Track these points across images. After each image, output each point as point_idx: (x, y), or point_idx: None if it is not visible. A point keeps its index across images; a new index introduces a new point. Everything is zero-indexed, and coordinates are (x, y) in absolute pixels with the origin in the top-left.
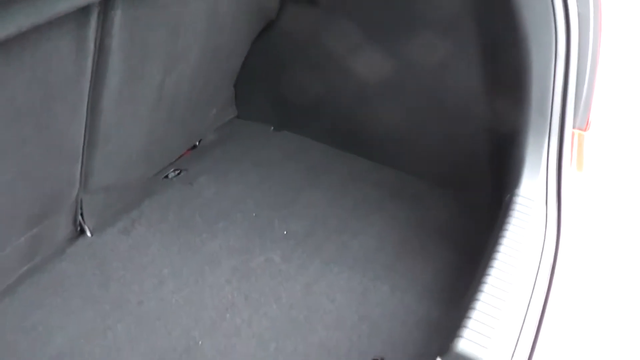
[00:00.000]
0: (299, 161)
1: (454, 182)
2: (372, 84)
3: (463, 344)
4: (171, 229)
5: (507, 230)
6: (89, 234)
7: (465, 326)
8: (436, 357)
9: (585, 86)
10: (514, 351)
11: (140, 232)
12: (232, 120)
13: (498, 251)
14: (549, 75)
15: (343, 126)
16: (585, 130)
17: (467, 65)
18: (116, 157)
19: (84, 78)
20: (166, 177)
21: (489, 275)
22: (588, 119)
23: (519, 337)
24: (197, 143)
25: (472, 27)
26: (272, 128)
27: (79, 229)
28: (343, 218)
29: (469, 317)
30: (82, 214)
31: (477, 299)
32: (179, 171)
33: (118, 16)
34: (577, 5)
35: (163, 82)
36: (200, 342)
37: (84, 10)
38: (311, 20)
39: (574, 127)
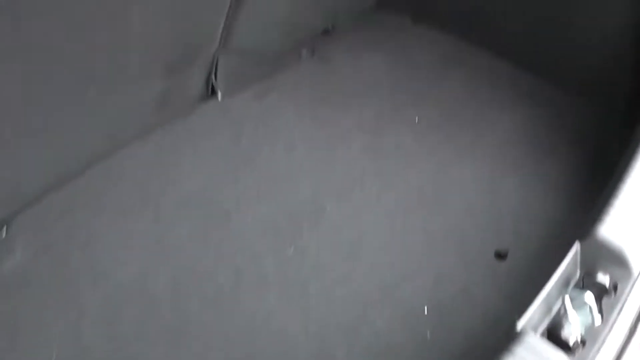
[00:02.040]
0: (434, 52)
1: (591, 90)
2: None
3: (605, 230)
4: (304, 101)
5: None
6: (220, 95)
7: (607, 214)
8: (565, 252)
9: None
10: None
11: (273, 100)
12: (370, 8)
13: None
14: None
15: (482, 22)
16: None
17: None
18: (258, 20)
19: None
20: (299, 54)
21: (629, 177)
22: None
23: None
24: (332, 26)
25: None
26: (410, 20)
27: (210, 89)
28: (476, 111)
29: (610, 207)
30: (215, 74)
31: (616, 197)
32: (312, 49)
33: None
34: None
35: None
36: (328, 208)
37: None
38: None
39: None
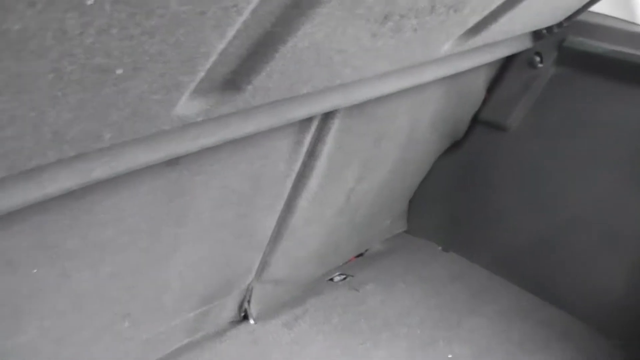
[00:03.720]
0: (465, 284)
1: (625, 334)
2: (552, 218)
3: None
4: (334, 331)
5: None
6: (252, 321)
7: None
8: None
9: None
10: None
11: (303, 329)
12: (400, 234)
13: None
14: None
15: (512, 257)
16: None
17: None
18: (294, 253)
19: (289, 178)
20: (331, 279)
21: None
22: None
23: None
24: (364, 251)
25: None
26: (441, 248)
27: (242, 314)
28: (509, 351)
29: None
30: (249, 301)
31: None
32: (344, 276)
33: (335, 125)
34: None
35: (353, 189)
36: None
37: (309, 118)
38: (498, 145)
39: None
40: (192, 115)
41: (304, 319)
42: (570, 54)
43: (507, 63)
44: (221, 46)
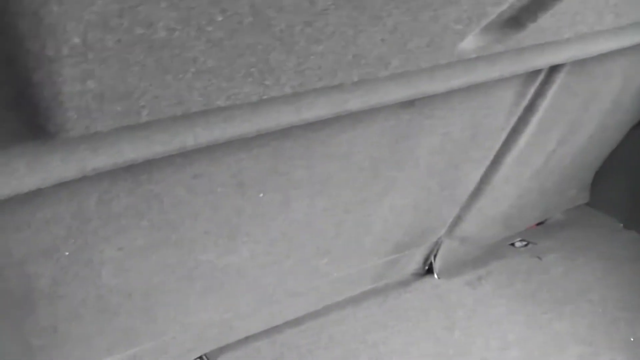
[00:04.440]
0: None
1: None
2: None
3: None
4: (517, 296)
5: None
6: (436, 275)
7: None
8: None
9: None
10: None
11: (486, 291)
12: (582, 206)
13: None
14: None
15: None
16: None
17: None
18: (486, 211)
19: (504, 131)
20: (512, 244)
21: None
22: None
23: None
24: (545, 219)
25: None
26: (622, 225)
27: (427, 268)
28: None
29: None
30: (435, 256)
31: None
32: (526, 242)
33: (559, 80)
34: None
35: (554, 152)
36: None
37: (539, 70)
38: None
39: None
40: (469, 51)
41: (487, 280)
42: None
43: None
44: None
